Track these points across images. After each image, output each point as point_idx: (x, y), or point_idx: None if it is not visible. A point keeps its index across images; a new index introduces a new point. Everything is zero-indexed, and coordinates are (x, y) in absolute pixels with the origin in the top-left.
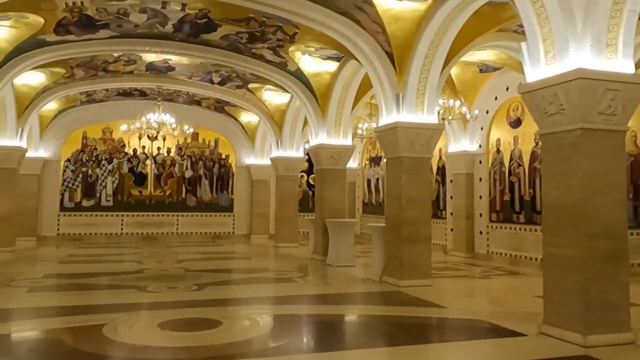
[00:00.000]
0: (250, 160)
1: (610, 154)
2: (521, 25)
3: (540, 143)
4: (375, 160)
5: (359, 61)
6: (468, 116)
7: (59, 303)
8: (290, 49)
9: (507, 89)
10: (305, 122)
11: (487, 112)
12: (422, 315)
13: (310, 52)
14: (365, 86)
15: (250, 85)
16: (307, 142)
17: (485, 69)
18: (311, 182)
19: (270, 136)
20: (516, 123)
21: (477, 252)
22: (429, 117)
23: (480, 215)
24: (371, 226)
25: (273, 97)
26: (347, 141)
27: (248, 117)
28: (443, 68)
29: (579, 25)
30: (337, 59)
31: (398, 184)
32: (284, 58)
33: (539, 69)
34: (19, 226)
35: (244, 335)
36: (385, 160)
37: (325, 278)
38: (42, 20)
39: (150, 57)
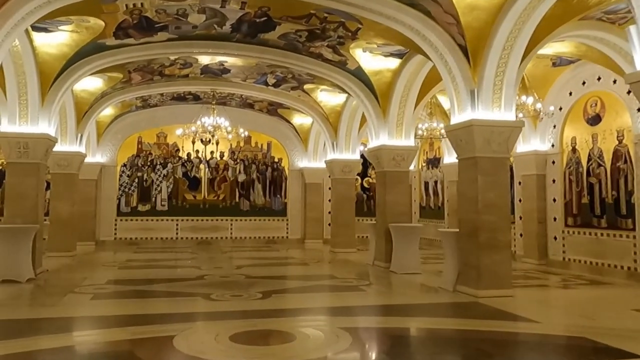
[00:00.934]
0: (303, 163)
1: None
2: (607, 12)
3: (623, 141)
4: (433, 162)
5: (427, 56)
6: (542, 114)
7: (125, 311)
8: (351, 46)
9: (584, 83)
10: (361, 124)
11: (561, 108)
12: (515, 331)
13: (371, 49)
14: (428, 84)
15: (306, 87)
16: (363, 144)
17: (559, 62)
18: (365, 185)
19: (325, 138)
20: (595, 120)
21: (551, 259)
22: (506, 114)
23: (555, 219)
24: (442, 232)
25: (328, 98)
26: (410, 142)
27: (301, 120)
28: (521, 61)
29: None
30: (400, 56)
31: (474, 187)
32: (343, 56)
33: None
34: (78, 231)
35: (321, 351)
36: (457, 160)
37: (393, 286)
38: (102, 23)
39: (205, 59)
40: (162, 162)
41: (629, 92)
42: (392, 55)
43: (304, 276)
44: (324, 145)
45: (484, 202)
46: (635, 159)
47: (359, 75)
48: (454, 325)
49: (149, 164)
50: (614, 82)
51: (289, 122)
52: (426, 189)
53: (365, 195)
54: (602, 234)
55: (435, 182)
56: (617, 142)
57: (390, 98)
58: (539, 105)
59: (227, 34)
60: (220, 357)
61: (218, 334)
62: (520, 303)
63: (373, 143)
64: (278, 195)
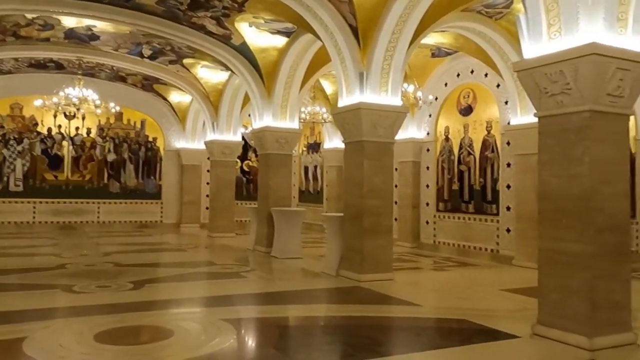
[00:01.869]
0: (180, 144)
1: (617, 140)
2: (487, 6)
3: (491, 131)
4: (313, 147)
5: (317, 35)
6: (421, 102)
7: None
8: (236, 19)
9: (458, 75)
10: (244, 104)
11: (436, 98)
12: (401, 316)
13: (258, 24)
14: (314, 66)
15: (185, 61)
16: (244, 126)
17: (437, 53)
18: (245, 168)
19: (205, 118)
20: (467, 111)
21: (422, 242)
22: (393, 99)
23: (427, 204)
24: (326, 216)
25: (210, 75)
26: (294, 124)
27: (179, 97)
28: (409, 46)
29: None
30: (287, 34)
31: (360, 171)
32: (228, 30)
33: (541, 44)
34: None
35: (201, 348)
36: (344, 145)
37: (275, 272)
38: None
39: (70, 22)
40: (16, 136)
41: (498, 86)
42: (279, 32)
43: (180, 263)
44: (204, 125)
45: (369, 187)
46: (501, 148)
47: (244, 52)
48: (341, 311)
49: (0, 138)
50: (486, 75)
51: (165, 99)
52: (306, 173)
53: (245, 179)
54: (469, 219)
55: (315, 167)
56: (486, 133)
57: (276, 78)
58: (419, 94)
59: None
60: None
61: (81, 332)
62: (401, 287)
63: (257, 124)
64: (152, 177)
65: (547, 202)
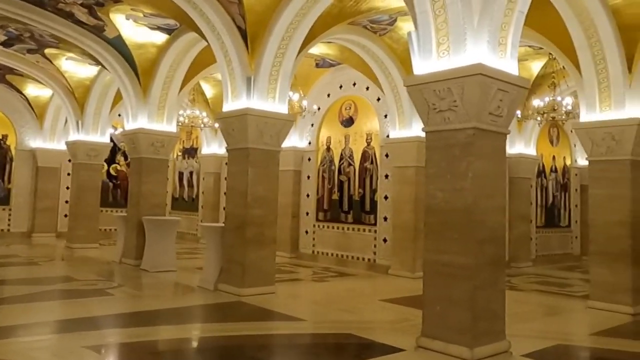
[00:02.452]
0: (36, 143)
1: (497, 157)
2: (372, 21)
3: (371, 143)
4: (189, 152)
5: (202, 35)
6: (305, 112)
7: None
8: (112, 10)
9: (341, 86)
10: (115, 103)
11: (319, 108)
12: (286, 333)
13: (136, 17)
14: (196, 67)
15: (47, 51)
16: (114, 127)
17: (322, 63)
18: (112, 172)
19: (68, 115)
20: (348, 122)
21: (301, 252)
22: (280, 106)
23: (307, 214)
24: (206, 226)
25: (76, 69)
26: (172, 127)
27: (37, 91)
28: (298, 53)
29: (475, 18)
30: (169, 31)
31: (244, 179)
32: (101, 21)
33: (430, 60)
34: None
35: None
36: (227, 151)
37: (146, 288)
38: None
39: None
40: None
41: (378, 99)
42: (159, 29)
43: (32, 279)
44: (66, 123)
45: (253, 196)
46: (380, 160)
47: (118, 46)
48: (221, 331)
49: None
50: (367, 88)
51: (20, 92)
52: (180, 179)
53: (111, 184)
54: (348, 229)
55: (191, 173)
56: (366, 144)
57: (154, 77)
58: (304, 103)
59: None
60: None
61: None
62: (283, 300)
63: (130, 125)
64: None
65: (432, 215)
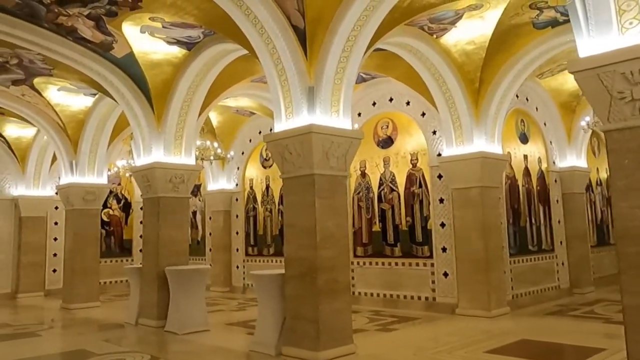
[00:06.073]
0: (18, 190)
1: None
2: (432, 21)
3: (418, 163)
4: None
5: (243, 42)
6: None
7: None
8: (124, 21)
9: (374, 103)
10: (112, 137)
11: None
12: None
13: (154, 29)
14: (219, 86)
15: (36, 81)
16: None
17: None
18: (104, 218)
19: (59, 156)
20: (386, 142)
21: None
22: (345, 121)
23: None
24: (258, 275)
25: (69, 101)
26: (191, 159)
27: (17, 131)
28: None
29: None
30: (189, 45)
31: (309, 213)
32: (110, 36)
33: (609, 35)
34: None
35: None
36: (283, 180)
37: (185, 358)
38: None
39: None
40: None
41: (423, 114)
42: (178, 42)
43: (36, 357)
44: (51, 166)
45: (323, 233)
46: (431, 183)
47: (128, 66)
48: None
49: None
50: (408, 103)
51: None
52: None
53: (104, 231)
54: (396, 264)
55: (194, 213)
56: (410, 166)
57: (170, 101)
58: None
59: None
60: None
61: None
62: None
63: (142, 160)
64: None
65: (630, 242)
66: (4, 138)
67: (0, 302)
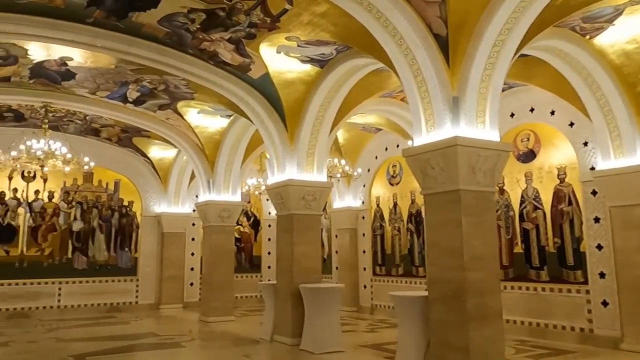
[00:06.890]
0: (161, 208)
1: None
2: (585, 20)
3: (566, 178)
4: None
5: (379, 55)
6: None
7: None
8: (263, 41)
9: (512, 115)
10: (245, 157)
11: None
12: None
13: (289, 48)
14: (350, 102)
15: (179, 105)
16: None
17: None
18: (235, 234)
19: (198, 175)
20: (527, 157)
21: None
22: (492, 133)
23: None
24: (400, 297)
25: (207, 122)
26: (322, 176)
27: (161, 153)
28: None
29: None
30: (321, 63)
31: (455, 232)
32: (248, 58)
33: None
34: None
35: None
36: (424, 196)
37: None
38: None
39: (40, 53)
40: None
41: (571, 125)
42: (312, 61)
43: None
44: (189, 185)
45: (470, 254)
46: (584, 200)
47: (263, 87)
48: None
49: None
50: (552, 113)
51: (145, 155)
52: None
53: (235, 247)
54: (543, 289)
55: (321, 231)
56: (558, 182)
57: (302, 119)
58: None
59: (78, 10)
60: None
61: None
62: None
63: (276, 178)
64: (126, 249)
65: None
66: (149, 159)
67: (146, 312)
